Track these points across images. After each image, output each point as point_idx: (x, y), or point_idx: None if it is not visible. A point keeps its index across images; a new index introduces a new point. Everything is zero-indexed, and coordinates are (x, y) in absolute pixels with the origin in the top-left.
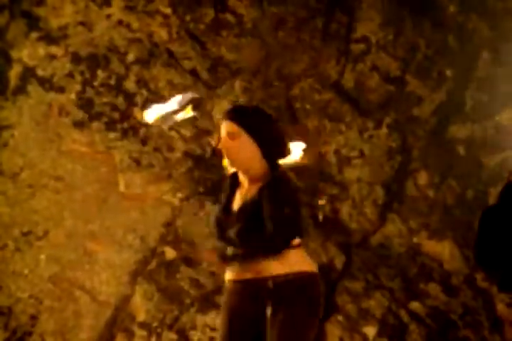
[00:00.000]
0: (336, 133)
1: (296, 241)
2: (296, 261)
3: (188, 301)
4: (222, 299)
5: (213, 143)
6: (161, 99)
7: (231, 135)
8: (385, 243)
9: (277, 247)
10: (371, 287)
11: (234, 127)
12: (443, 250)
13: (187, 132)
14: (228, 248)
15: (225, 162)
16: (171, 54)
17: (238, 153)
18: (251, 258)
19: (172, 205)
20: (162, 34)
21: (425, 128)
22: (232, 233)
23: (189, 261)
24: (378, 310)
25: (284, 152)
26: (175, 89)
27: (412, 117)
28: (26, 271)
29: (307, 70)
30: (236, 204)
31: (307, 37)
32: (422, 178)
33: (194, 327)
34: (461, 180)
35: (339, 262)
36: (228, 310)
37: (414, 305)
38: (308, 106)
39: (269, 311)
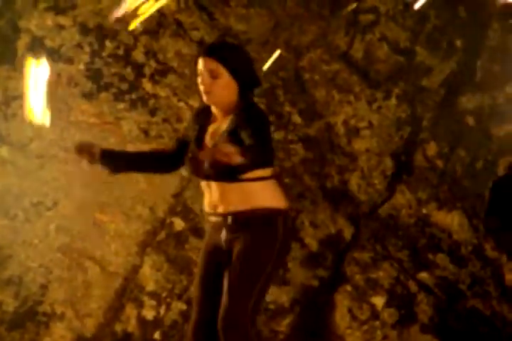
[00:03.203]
0: (345, 103)
1: (266, 172)
2: (260, 195)
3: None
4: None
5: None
6: (170, 70)
7: (213, 73)
8: (393, 214)
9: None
10: (380, 257)
11: (217, 65)
12: (452, 221)
13: (195, 103)
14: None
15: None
16: (179, 24)
17: (218, 90)
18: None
19: (181, 176)
20: (170, 4)
21: (434, 98)
22: (207, 165)
23: (198, 232)
24: (387, 281)
25: (258, 83)
26: (183, 59)
27: (421, 88)
28: (36, 241)
29: (316, 41)
30: (209, 137)
31: (316, 7)
32: (431, 149)
33: None
34: (470, 150)
35: (348, 233)
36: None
37: (423, 276)
38: (316, 77)
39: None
